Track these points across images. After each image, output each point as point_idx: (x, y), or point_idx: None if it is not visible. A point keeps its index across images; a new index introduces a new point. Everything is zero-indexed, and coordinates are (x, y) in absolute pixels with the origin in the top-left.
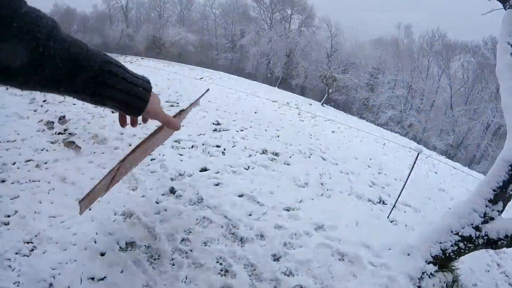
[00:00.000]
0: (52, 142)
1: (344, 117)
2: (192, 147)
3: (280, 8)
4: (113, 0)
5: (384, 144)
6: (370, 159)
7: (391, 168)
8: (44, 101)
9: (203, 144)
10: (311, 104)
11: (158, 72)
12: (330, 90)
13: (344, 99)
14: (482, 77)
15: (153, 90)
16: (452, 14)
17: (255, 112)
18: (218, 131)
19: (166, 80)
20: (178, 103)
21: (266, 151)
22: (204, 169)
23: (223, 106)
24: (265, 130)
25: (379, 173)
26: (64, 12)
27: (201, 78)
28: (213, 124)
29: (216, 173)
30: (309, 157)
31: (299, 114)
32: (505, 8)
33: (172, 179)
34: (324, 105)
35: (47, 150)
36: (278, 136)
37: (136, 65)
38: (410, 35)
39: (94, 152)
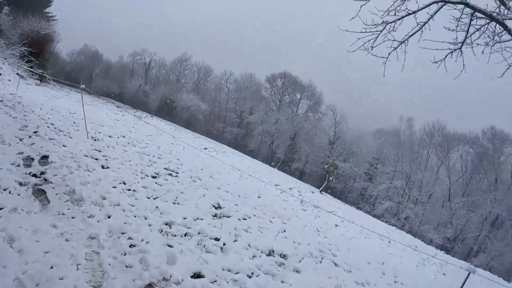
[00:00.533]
0: (20, 184)
1: (343, 207)
2: (185, 235)
3: (290, 91)
4: (138, 56)
5: (390, 242)
6: (383, 263)
7: (405, 273)
8: (35, 132)
9: (199, 233)
10: (313, 192)
11: (163, 134)
12: (331, 178)
13: (341, 187)
14: (481, 168)
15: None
16: (453, 105)
17: (259, 197)
18: (218, 217)
19: (170, 144)
20: (177, 173)
21: (273, 251)
22: (197, 275)
23: (225, 185)
24: (270, 222)
25: (395, 282)
26: (91, 54)
27: (205, 148)
28: (214, 207)
29: (213, 282)
30: (321, 262)
31: (301, 203)
32: None
33: (152, 285)
34: (322, 192)
35: (9, 192)
36: (284, 231)
37: (144, 122)
38: (411, 127)
39: (63, 214)
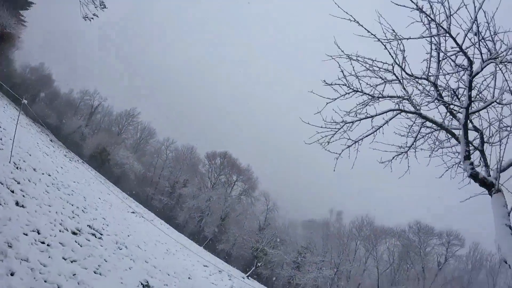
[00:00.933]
0: None
1: None
2: None
3: (227, 172)
4: (87, 96)
5: None
6: None
7: None
8: None
9: None
10: (243, 278)
11: (92, 184)
12: (259, 264)
13: (268, 273)
14: (408, 258)
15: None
16: (381, 199)
17: (189, 278)
18: None
19: (97, 198)
20: (101, 234)
21: None
22: None
23: (153, 259)
24: None
25: None
26: (43, 76)
27: (133, 212)
28: (142, 284)
29: None
30: None
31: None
32: (490, 194)
33: None
34: (249, 278)
35: None
36: None
37: (74, 165)
38: (340, 220)
39: None
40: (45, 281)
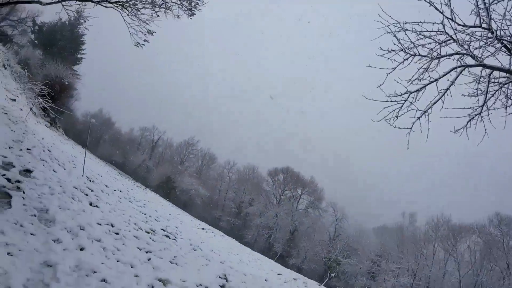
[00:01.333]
0: None
1: None
2: None
3: (291, 186)
4: (147, 132)
5: None
6: None
7: None
8: (28, 149)
9: None
10: (319, 285)
11: (161, 203)
12: (333, 274)
13: (342, 285)
14: (491, 256)
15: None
16: (458, 193)
17: (266, 280)
18: None
19: (168, 214)
20: (175, 238)
21: None
22: None
23: (228, 262)
24: None
25: None
26: (104, 120)
27: (203, 228)
28: (219, 277)
29: None
30: None
31: None
32: None
33: None
34: (323, 286)
35: None
36: None
37: (143, 190)
38: (414, 222)
39: (22, 226)
40: (117, 261)
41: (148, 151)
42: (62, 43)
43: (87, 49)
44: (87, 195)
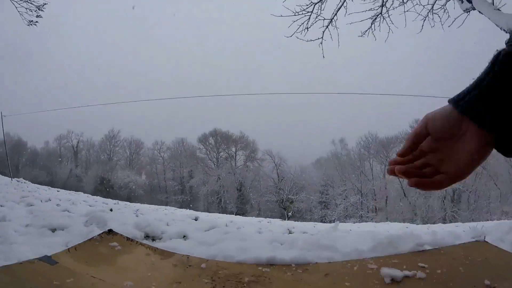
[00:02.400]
0: None
1: None
2: None
3: (224, 147)
4: (64, 139)
5: None
6: None
7: None
8: None
9: None
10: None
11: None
12: (290, 213)
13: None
14: None
15: None
16: (374, 112)
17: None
18: None
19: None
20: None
21: None
22: None
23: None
24: None
25: None
26: (14, 143)
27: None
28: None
29: None
30: None
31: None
32: None
33: None
34: None
35: None
36: None
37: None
38: (346, 147)
39: None
40: None
41: (72, 159)
42: None
43: None
44: None
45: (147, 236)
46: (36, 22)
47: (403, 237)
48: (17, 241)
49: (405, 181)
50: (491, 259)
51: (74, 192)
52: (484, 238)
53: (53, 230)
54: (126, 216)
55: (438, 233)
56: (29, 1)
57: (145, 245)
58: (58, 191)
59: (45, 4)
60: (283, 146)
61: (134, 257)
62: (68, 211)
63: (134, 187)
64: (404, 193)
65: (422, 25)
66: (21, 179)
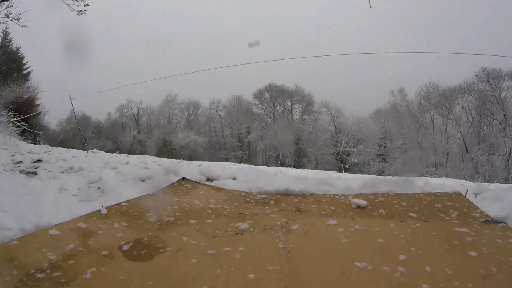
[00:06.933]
0: None
1: None
2: None
3: (280, 101)
4: (125, 109)
5: None
6: None
7: None
8: None
9: None
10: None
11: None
12: (346, 166)
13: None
14: (487, 111)
15: None
16: (436, 60)
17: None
18: None
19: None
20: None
21: None
22: None
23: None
24: None
25: None
26: (80, 119)
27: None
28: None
29: None
30: None
31: None
32: None
33: None
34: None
35: None
36: None
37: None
38: (405, 97)
39: None
40: None
41: (134, 127)
42: (3, 68)
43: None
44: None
45: (208, 179)
46: (85, 11)
47: (386, 180)
48: (121, 189)
49: (468, 136)
50: (450, 206)
51: (141, 155)
52: (466, 194)
53: (142, 180)
54: (192, 167)
55: (431, 182)
56: None
57: (206, 185)
58: (127, 156)
59: None
60: (340, 97)
61: (200, 192)
62: (147, 168)
63: (194, 146)
64: (467, 149)
65: None
66: (95, 149)
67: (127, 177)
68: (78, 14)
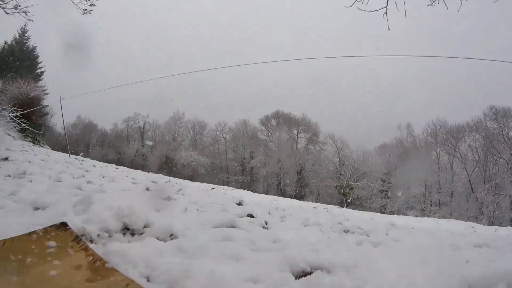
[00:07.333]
0: None
1: None
2: None
3: (286, 129)
4: (131, 121)
5: None
6: None
7: None
8: None
9: None
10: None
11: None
12: (349, 200)
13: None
14: (494, 150)
15: None
16: (445, 98)
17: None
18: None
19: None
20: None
21: None
22: None
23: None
24: None
25: None
26: (85, 125)
27: (212, 188)
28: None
29: None
30: None
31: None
32: None
33: None
34: None
35: None
36: None
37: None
38: (412, 133)
39: None
40: None
41: (139, 140)
42: (16, 64)
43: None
44: None
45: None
46: (91, 10)
47: None
48: None
49: (473, 175)
50: None
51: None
52: None
53: None
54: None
55: None
56: None
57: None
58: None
59: None
60: (346, 129)
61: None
62: None
63: (196, 166)
64: (472, 188)
65: None
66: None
67: None
68: (83, 13)
